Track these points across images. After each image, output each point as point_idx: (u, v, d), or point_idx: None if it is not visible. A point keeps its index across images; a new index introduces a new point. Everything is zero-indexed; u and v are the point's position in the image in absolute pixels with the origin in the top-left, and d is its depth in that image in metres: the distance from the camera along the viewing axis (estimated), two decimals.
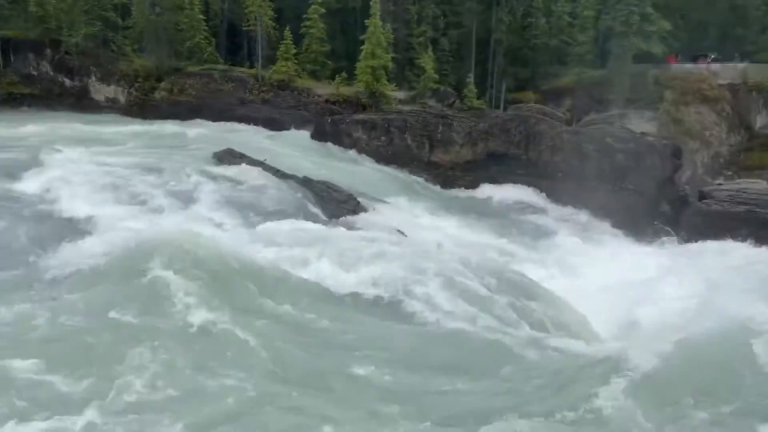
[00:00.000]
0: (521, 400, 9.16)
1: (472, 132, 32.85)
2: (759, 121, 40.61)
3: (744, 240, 23.04)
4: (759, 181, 30.80)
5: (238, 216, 16.32)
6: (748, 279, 17.02)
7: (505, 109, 37.89)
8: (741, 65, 41.37)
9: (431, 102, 36.06)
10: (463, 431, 8.26)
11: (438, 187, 30.98)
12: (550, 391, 9.49)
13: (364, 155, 32.13)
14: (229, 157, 25.45)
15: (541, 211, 29.29)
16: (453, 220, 25.57)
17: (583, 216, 28.62)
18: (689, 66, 42.18)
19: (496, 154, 32.28)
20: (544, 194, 30.37)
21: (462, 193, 31.09)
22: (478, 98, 37.46)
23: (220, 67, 41.14)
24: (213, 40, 43.81)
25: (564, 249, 23.14)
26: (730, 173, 37.75)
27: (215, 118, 35.45)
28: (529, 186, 30.73)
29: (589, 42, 42.46)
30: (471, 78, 37.43)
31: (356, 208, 22.67)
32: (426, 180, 31.38)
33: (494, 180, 31.60)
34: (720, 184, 32.35)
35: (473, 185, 31.68)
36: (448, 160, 32.99)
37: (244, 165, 24.36)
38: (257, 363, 9.58)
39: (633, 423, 8.20)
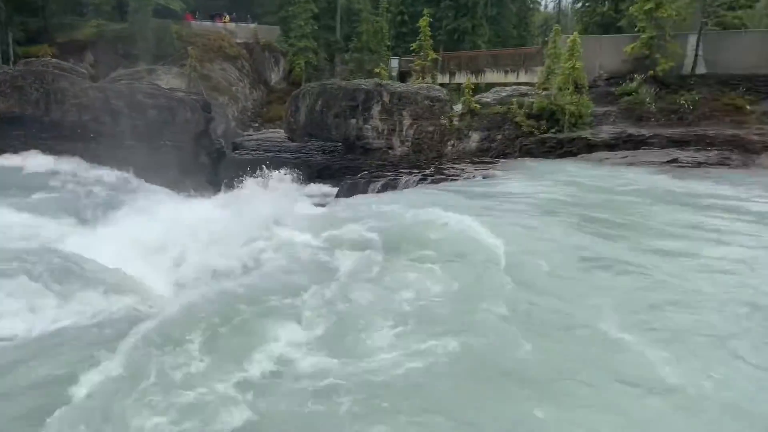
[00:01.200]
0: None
1: None
2: (273, 78, 46.54)
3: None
4: (278, 130, 35.58)
5: None
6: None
7: (14, 64, 32.44)
8: (252, 26, 46.14)
9: None
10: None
11: None
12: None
13: None
14: None
15: (80, 178, 26.56)
16: None
17: (127, 177, 27.41)
18: (208, 24, 44.60)
19: (10, 116, 27.50)
20: (79, 159, 27.60)
21: None
22: None
23: None
24: None
25: (111, 215, 21.69)
26: (257, 125, 42.38)
27: None
28: (59, 151, 27.37)
29: None
30: None
31: None
32: None
33: (14, 148, 27.00)
34: (249, 135, 36.04)
35: None
36: None
37: None
38: None
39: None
